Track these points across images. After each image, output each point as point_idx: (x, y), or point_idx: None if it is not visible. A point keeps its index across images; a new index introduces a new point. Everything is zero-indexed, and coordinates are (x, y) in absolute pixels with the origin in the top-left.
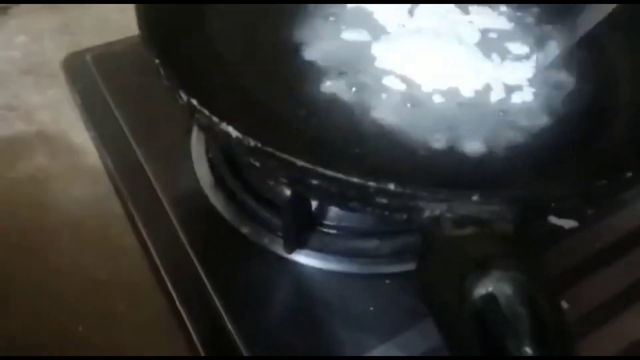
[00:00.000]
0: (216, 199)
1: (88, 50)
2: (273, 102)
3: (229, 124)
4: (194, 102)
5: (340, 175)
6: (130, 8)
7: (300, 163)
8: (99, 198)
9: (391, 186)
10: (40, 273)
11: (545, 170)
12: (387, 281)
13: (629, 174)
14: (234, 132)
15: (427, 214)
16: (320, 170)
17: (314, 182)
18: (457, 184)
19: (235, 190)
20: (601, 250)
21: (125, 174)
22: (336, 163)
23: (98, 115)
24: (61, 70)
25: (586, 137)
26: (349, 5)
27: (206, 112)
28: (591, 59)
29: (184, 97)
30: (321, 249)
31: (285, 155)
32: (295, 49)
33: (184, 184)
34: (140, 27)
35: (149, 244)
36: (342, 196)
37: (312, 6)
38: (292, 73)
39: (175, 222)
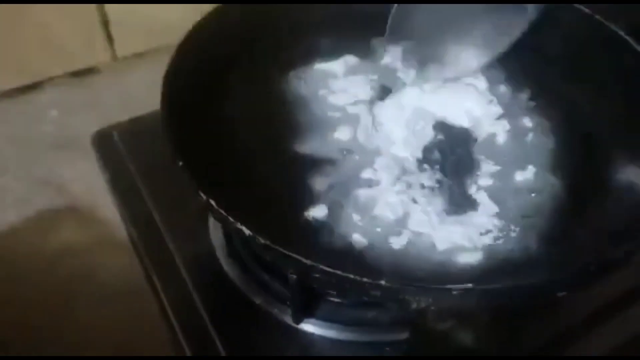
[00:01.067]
0: (230, 269)
1: (115, 126)
2: (284, 197)
3: (242, 224)
4: (212, 202)
5: (339, 273)
6: (154, 85)
7: (305, 261)
8: (124, 267)
9: (382, 282)
10: (72, 331)
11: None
12: (387, 348)
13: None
14: (246, 231)
15: (414, 306)
16: (322, 267)
17: (317, 275)
18: (441, 281)
19: (248, 261)
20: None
21: (147, 244)
22: (338, 260)
23: (124, 190)
24: (91, 146)
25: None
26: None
27: (223, 213)
28: None
29: (203, 196)
30: (327, 319)
31: (292, 254)
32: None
33: (201, 254)
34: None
35: (167, 308)
36: (341, 288)
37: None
38: (304, 169)
39: (191, 288)
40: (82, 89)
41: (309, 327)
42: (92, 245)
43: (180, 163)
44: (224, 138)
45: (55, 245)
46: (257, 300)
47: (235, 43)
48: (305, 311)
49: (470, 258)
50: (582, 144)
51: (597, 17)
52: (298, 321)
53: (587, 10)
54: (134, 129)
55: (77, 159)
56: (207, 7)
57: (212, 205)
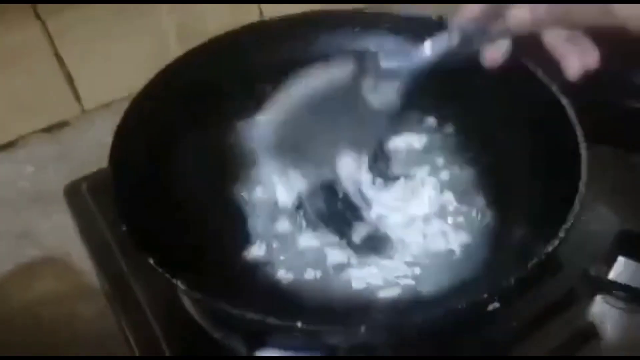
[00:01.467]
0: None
1: (84, 178)
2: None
3: (176, 278)
4: (150, 261)
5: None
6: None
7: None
8: (100, 313)
9: (298, 324)
10: None
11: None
12: None
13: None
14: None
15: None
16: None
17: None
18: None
19: None
20: None
21: (115, 290)
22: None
23: (93, 240)
24: (63, 199)
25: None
26: None
27: (159, 269)
28: None
29: (151, 261)
30: (280, 346)
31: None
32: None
33: (166, 297)
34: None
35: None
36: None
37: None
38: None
39: (158, 331)
40: (54, 143)
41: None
42: (70, 294)
43: (124, 228)
44: (170, 192)
45: (36, 296)
46: (216, 334)
47: (183, 102)
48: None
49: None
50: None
51: None
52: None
53: None
54: (101, 180)
55: (53, 212)
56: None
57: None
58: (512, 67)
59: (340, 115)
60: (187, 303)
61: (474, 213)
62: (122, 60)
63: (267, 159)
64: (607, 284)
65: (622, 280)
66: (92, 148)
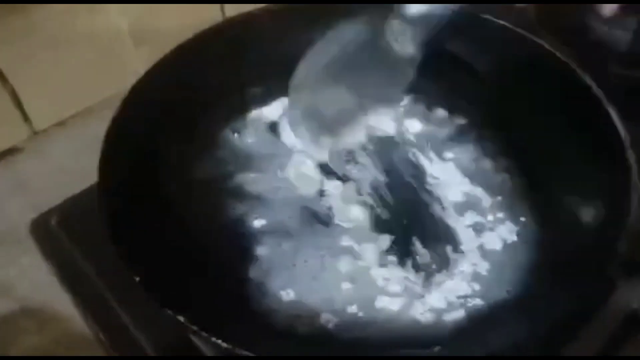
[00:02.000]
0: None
1: (50, 212)
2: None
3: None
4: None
5: None
6: (80, 152)
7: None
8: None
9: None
10: None
11: None
12: None
13: None
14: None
15: None
16: None
17: None
18: None
19: None
20: None
21: (108, 333)
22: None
23: (75, 282)
24: (30, 237)
25: None
26: None
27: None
28: None
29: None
30: None
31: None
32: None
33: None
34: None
35: None
36: None
37: None
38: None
39: None
40: (7, 174)
41: None
42: (57, 346)
43: (133, 275)
44: (160, 209)
45: (20, 352)
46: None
47: (168, 108)
48: None
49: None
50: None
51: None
52: None
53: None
54: (71, 210)
55: (19, 255)
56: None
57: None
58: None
59: (367, 72)
60: (201, 344)
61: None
62: (73, 71)
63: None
64: None
65: None
66: (52, 175)
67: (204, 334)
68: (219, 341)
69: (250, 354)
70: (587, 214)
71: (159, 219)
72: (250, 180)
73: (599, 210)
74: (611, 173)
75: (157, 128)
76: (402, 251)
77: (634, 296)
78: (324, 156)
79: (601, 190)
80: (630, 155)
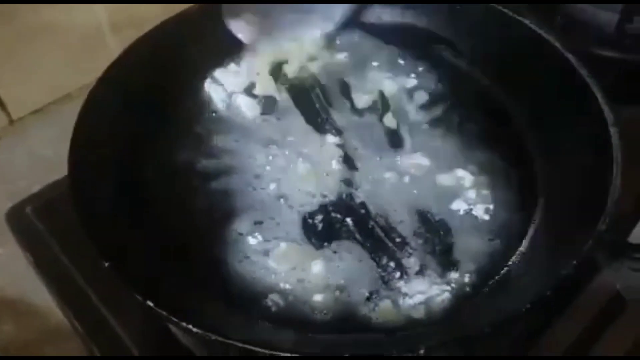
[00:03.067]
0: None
1: (28, 200)
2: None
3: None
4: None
5: None
6: (58, 140)
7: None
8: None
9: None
10: None
11: None
12: None
13: None
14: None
15: None
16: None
17: None
18: None
19: None
20: None
21: (92, 330)
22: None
23: (52, 272)
24: (6, 227)
25: None
26: None
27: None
28: None
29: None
30: None
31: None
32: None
33: (155, 329)
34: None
35: None
36: None
37: None
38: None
39: None
40: None
41: None
42: (35, 338)
43: (106, 264)
44: (133, 194)
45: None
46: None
47: (141, 91)
48: None
49: None
50: None
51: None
52: None
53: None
54: (48, 199)
55: None
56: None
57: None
58: None
59: None
60: (181, 334)
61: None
62: (51, 58)
63: None
64: (627, 247)
65: None
66: (28, 164)
67: (173, 319)
68: (189, 326)
69: (221, 339)
70: (570, 195)
71: (133, 205)
72: (224, 164)
73: (582, 190)
74: (594, 152)
75: (130, 112)
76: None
77: (618, 277)
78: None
79: (583, 170)
80: (614, 134)
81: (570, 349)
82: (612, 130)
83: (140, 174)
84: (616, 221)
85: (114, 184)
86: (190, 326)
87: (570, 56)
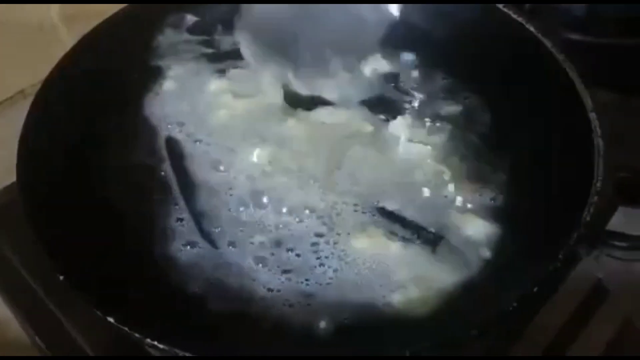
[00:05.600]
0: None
1: None
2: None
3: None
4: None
5: None
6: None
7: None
8: None
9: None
10: None
11: None
12: None
13: None
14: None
15: None
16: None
17: None
18: None
19: None
20: None
21: (51, 343)
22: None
23: (7, 281)
24: None
25: None
26: None
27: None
28: None
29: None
30: None
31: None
32: None
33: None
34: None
35: None
36: None
37: None
38: None
39: None
40: None
41: None
42: None
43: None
44: (87, 198)
45: None
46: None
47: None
48: None
49: None
50: None
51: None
52: None
53: None
54: (2, 203)
55: None
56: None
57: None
58: None
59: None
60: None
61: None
62: (1, 55)
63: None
64: (606, 235)
65: (621, 229)
66: None
67: (136, 335)
68: (154, 342)
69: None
70: (552, 184)
71: (85, 208)
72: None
73: (564, 178)
74: (575, 139)
75: (81, 109)
76: None
77: (599, 266)
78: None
79: (565, 156)
80: (594, 121)
81: (554, 341)
82: (592, 116)
83: (94, 175)
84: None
85: (66, 187)
86: (155, 342)
87: (545, 40)
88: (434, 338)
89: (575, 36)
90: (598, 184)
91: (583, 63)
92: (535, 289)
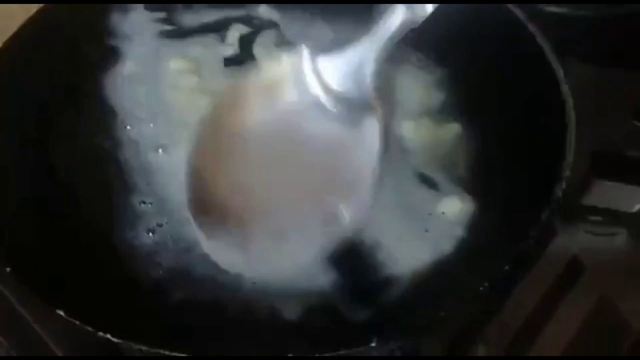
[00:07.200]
0: None
1: None
2: None
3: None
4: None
5: None
6: None
7: None
8: None
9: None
10: None
11: None
12: None
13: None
14: None
15: None
16: None
17: None
18: None
19: None
20: None
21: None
22: None
23: None
24: None
25: None
26: None
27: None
28: None
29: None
30: None
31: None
32: None
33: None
34: None
35: None
36: None
37: None
38: None
39: None
40: None
41: None
42: None
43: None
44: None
45: None
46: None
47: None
48: None
49: None
50: None
51: None
52: None
53: None
54: None
55: None
56: None
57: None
58: None
59: None
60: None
61: None
62: None
63: None
64: (582, 209)
65: (597, 203)
66: None
67: (89, 328)
68: (107, 335)
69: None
70: (524, 160)
71: (38, 195)
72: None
73: (536, 153)
74: (547, 113)
75: (40, 86)
76: None
77: (574, 241)
78: None
79: (537, 131)
80: (566, 93)
81: (530, 318)
82: (564, 89)
83: (50, 160)
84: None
85: (18, 175)
86: (108, 335)
87: (518, 12)
88: (401, 321)
89: (552, 8)
90: (570, 158)
91: (559, 35)
92: (506, 268)
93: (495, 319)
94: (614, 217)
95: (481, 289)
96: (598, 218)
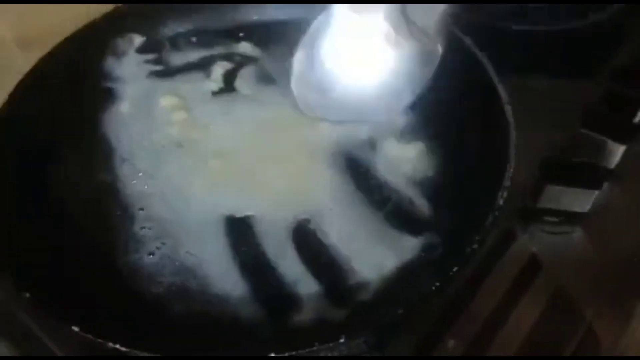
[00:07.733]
0: None
1: None
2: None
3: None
4: None
5: None
6: None
7: None
8: None
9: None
10: None
11: None
12: None
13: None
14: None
15: None
16: None
17: None
18: None
19: None
20: None
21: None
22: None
23: None
24: None
25: None
26: None
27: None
28: None
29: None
30: None
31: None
32: None
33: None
34: None
35: None
36: None
37: None
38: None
39: None
40: None
41: None
42: None
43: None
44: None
45: None
46: None
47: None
48: None
49: None
50: None
51: None
52: None
53: None
54: None
55: None
56: None
57: None
58: None
59: None
60: None
61: None
62: None
63: None
64: (537, 212)
65: (553, 206)
66: None
67: (103, 342)
68: (116, 345)
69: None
70: (474, 172)
71: (45, 224)
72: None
73: (483, 163)
74: (493, 132)
75: (44, 127)
76: None
77: (534, 242)
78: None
79: (482, 141)
80: (508, 112)
81: (496, 310)
82: (507, 108)
83: (53, 192)
84: (524, 189)
85: (25, 205)
86: (117, 345)
87: (456, 30)
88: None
89: (508, 24)
90: (511, 170)
91: (506, 49)
92: (455, 269)
93: (464, 313)
94: (568, 217)
95: (433, 288)
96: (554, 219)
